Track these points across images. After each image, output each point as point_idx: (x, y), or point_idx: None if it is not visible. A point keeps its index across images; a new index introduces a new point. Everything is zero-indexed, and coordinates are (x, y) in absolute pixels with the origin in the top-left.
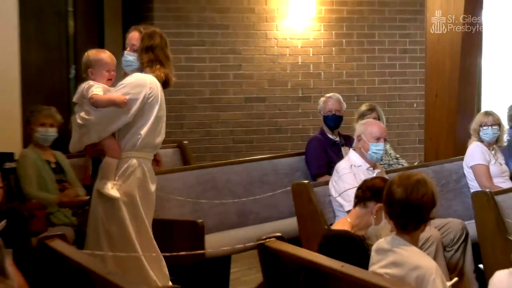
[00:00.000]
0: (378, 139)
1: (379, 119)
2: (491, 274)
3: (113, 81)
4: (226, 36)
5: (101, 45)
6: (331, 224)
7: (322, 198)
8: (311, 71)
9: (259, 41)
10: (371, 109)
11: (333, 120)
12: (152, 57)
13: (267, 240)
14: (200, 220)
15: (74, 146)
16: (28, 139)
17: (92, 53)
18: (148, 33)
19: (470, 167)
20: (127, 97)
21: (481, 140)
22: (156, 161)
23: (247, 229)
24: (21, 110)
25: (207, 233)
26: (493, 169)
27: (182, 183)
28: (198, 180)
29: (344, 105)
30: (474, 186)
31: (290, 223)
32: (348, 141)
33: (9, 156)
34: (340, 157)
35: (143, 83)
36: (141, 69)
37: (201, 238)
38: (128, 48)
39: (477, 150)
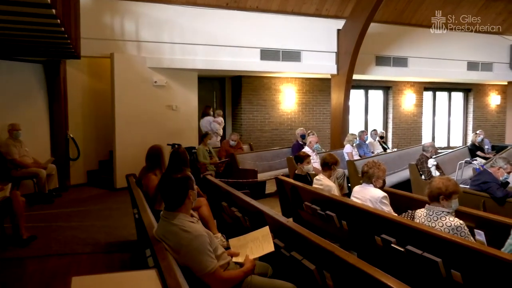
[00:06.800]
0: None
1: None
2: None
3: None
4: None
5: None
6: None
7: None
8: None
9: None
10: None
11: (304, 137)
12: None
13: (279, 175)
14: (256, 169)
15: None
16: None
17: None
18: None
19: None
20: None
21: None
22: None
23: (272, 172)
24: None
25: (260, 173)
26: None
27: (254, 157)
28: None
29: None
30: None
31: (286, 171)
32: (304, 144)
33: (192, 148)
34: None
35: None
36: None
37: (256, 174)
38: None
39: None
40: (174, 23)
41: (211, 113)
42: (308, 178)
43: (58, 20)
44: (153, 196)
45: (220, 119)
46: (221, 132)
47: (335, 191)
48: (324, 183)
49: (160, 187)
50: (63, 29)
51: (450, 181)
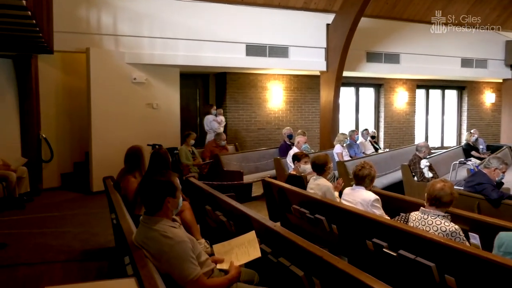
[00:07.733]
0: (304, 143)
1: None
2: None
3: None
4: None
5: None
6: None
7: (283, 163)
8: None
9: None
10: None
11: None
12: None
13: (266, 177)
14: (242, 171)
15: None
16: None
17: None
18: None
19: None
20: None
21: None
22: None
23: (259, 173)
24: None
25: (246, 174)
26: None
27: (239, 158)
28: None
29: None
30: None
31: (273, 172)
32: (292, 144)
33: (174, 149)
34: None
35: None
36: None
37: (242, 176)
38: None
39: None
40: (154, 16)
41: (213, 111)
42: (302, 181)
43: (29, 12)
44: (132, 200)
45: (220, 118)
46: (220, 131)
47: (332, 191)
48: (321, 182)
49: (140, 190)
50: (34, 21)
51: (452, 188)
